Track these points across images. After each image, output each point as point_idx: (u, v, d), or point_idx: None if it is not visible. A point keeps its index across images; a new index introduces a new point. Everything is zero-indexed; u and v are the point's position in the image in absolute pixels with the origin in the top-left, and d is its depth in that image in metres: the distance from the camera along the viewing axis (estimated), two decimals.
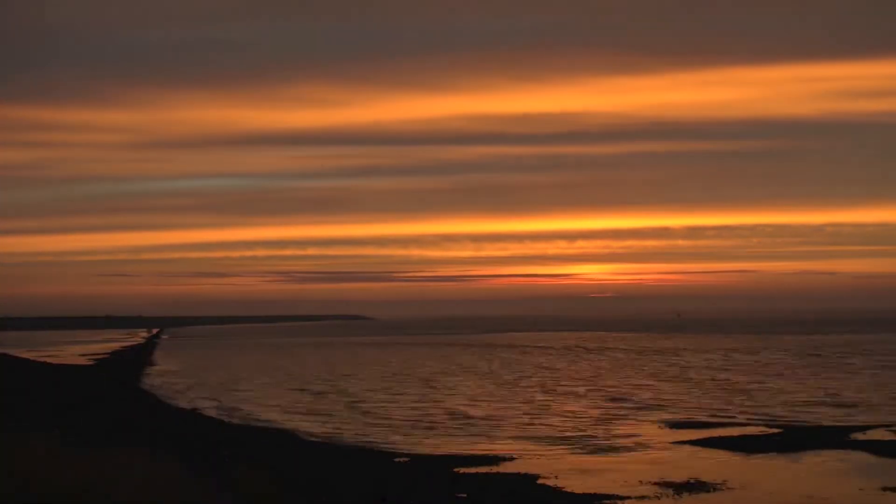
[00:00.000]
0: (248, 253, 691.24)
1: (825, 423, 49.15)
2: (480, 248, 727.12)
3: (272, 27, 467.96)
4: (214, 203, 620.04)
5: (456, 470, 35.34)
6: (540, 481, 32.88)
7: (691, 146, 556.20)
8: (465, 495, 29.99)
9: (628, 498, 30.03)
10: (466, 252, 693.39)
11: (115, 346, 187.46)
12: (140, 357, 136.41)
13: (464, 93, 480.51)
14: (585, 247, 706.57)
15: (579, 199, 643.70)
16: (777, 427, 47.34)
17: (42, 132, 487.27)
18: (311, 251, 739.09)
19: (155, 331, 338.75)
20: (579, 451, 41.06)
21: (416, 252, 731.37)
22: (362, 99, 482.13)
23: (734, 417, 52.23)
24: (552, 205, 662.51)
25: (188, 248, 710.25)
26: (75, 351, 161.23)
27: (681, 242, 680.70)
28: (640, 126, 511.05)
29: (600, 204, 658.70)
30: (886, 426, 46.77)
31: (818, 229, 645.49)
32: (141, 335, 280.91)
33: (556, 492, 31.17)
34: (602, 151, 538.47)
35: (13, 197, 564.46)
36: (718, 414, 54.23)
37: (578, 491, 31.28)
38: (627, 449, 41.40)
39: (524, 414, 55.86)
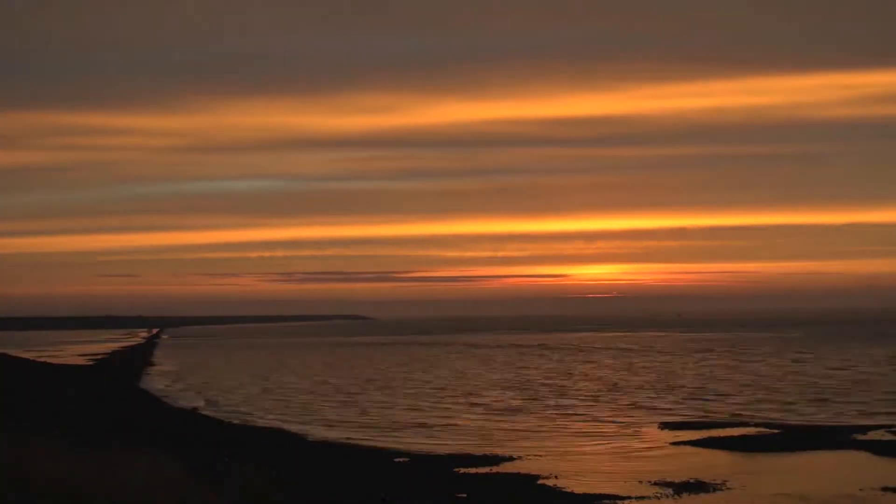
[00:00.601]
0: (267, 253, 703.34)
1: (825, 423, 49.16)
2: (500, 248, 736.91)
3: (324, 39, 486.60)
4: (243, 204, 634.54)
5: (456, 470, 35.34)
6: (540, 482, 32.87)
7: (720, 150, 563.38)
8: (465, 495, 29.99)
9: (628, 498, 30.03)
10: (486, 252, 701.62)
11: (115, 346, 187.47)
12: (140, 357, 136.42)
13: (505, 99, 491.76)
14: (604, 247, 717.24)
15: (604, 201, 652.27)
16: (777, 427, 47.32)
17: (92, 136, 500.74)
18: (331, 251, 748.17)
19: (155, 331, 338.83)
20: (579, 451, 41.09)
21: (433, 252, 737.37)
22: (407, 105, 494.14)
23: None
24: (574, 206, 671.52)
25: (212, 248, 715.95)
26: (75, 351, 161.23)
27: (698, 243, 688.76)
28: (671, 130, 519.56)
29: (623, 205, 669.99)
30: (886, 426, 46.75)
31: (838, 229, 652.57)
32: (141, 335, 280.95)
33: (556, 492, 31.16)
34: (632, 154, 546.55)
35: (53, 198, 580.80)
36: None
37: (578, 491, 31.27)
38: (627, 449, 41.43)
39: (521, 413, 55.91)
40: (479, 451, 40.48)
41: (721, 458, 38.33)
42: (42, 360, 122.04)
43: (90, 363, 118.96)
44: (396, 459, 38.39)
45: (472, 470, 35.34)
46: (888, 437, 43.40)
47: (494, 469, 35.78)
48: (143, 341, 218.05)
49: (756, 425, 48.44)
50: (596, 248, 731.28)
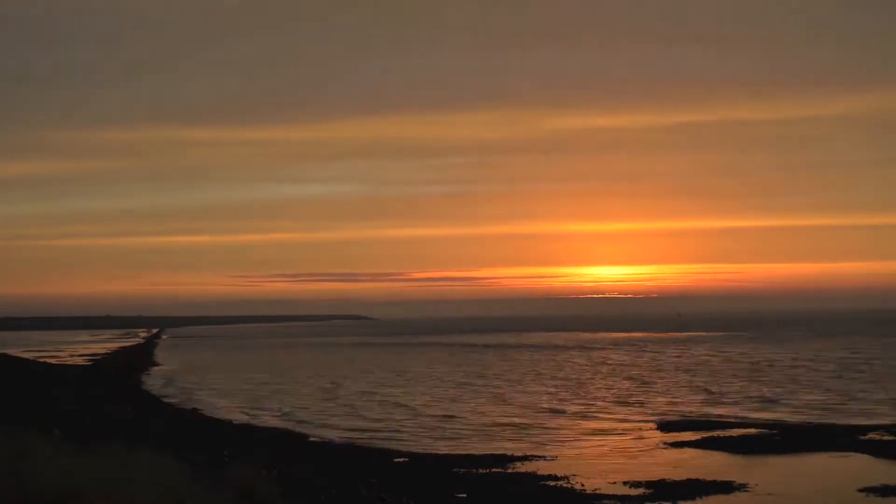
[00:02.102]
0: (269, 255, 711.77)
1: (825, 423, 49.14)
2: (502, 249, 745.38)
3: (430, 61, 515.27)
4: (266, 210, 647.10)
5: (456, 470, 35.35)
6: (540, 482, 32.88)
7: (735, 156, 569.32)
8: (465, 495, 30.01)
9: (628, 498, 30.04)
10: (485, 253, 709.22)
11: (115, 346, 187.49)
12: (140, 357, 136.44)
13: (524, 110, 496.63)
14: (603, 248, 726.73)
15: (644, 204, 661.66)
16: (776, 428, 47.31)
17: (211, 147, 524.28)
18: (332, 252, 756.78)
19: (155, 331, 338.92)
20: (579, 451, 41.10)
21: (433, 253, 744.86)
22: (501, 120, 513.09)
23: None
24: (580, 209, 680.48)
25: (214, 249, 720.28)
26: (75, 351, 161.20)
27: (718, 244, 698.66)
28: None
29: (667, 208, 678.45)
30: (886, 427, 46.73)
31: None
32: (141, 335, 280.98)
33: (557, 492, 31.17)
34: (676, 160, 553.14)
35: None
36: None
37: (578, 491, 31.28)
38: (627, 449, 41.43)
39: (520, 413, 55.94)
40: (479, 451, 40.51)
41: (721, 458, 38.32)
42: (42, 360, 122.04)
43: (90, 363, 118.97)
44: (396, 459, 38.41)
45: (472, 470, 35.36)
46: (888, 437, 43.40)
47: (494, 469, 35.79)
48: (143, 341, 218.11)
49: (756, 426, 48.43)
50: (596, 248, 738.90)
